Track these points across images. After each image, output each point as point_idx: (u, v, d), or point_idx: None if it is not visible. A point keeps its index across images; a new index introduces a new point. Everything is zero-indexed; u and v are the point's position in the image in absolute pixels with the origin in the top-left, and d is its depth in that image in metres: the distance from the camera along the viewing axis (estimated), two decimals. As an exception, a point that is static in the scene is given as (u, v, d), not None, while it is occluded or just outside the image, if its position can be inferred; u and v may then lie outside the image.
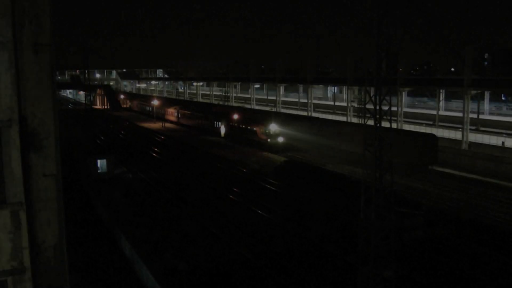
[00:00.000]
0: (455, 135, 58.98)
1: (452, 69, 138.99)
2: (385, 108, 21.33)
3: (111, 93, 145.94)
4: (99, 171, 47.38)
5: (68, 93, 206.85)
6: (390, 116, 21.09)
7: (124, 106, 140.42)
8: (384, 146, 20.77)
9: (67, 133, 79.77)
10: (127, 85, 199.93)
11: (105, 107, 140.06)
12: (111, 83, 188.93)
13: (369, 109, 20.97)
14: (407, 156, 51.37)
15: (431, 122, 69.51)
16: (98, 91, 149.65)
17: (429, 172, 49.45)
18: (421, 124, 68.07)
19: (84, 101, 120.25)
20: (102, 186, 43.69)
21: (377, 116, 20.78)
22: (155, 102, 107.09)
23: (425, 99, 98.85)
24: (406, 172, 47.27)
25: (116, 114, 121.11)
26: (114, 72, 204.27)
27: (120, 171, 50.31)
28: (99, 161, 47.50)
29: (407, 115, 71.46)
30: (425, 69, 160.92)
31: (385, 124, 21.48)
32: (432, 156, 51.62)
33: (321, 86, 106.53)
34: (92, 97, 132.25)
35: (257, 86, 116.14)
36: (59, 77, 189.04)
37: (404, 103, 74.17)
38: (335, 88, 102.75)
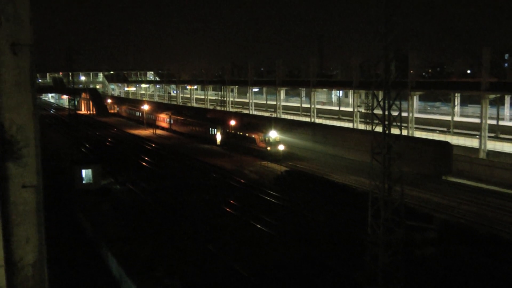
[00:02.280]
0: (472, 143, 58.99)
1: (468, 71, 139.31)
2: (395, 113, 21.39)
3: (97, 97, 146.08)
4: (84, 182, 47.28)
5: (50, 97, 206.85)
6: (400, 122, 21.15)
7: (112, 111, 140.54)
8: (393, 154, 20.80)
9: (49, 141, 79.69)
10: (115, 89, 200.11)
11: (91, 112, 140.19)
12: (98, 87, 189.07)
13: (377, 115, 21.01)
14: (418, 166, 51.37)
15: (445, 129, 69.61)
16: (83, 95, 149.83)
17: (442, 183, 49.44)
18: (434, 131, 68.16)
19: (67, 106, 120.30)
20: (88, 198, 43.59)
21: (386, 122, 20.82)
22: (146, 107, 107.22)
23: (439, 104, 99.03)
24: (417, 183, 47.26)
25: (103, 120, 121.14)
26: (100, 75, 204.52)
27: (107, 182, 50.22)
28: (84, 171, 47.42)
29: (418, 121, 71.55)
30: (438, 72, 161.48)
31: (395, 131, 21.52)
32: (446, 165, 51.63)
33: (325, 90, 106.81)
34: (76, 102, 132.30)
35: (255, 90, 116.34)
36: (40, 80, 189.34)
37: (415, 108, 74.28)
38: (340, 92, 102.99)
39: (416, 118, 69.54)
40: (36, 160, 9.09)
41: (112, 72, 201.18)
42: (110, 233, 33.86)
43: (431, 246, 29.87)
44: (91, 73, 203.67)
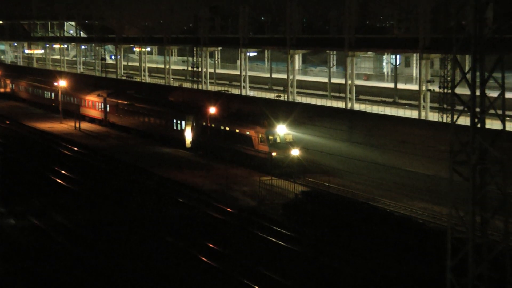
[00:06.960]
0: None
1: None
2: (493, 94, 21.40)
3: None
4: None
5: None
6: (503, 109, 21.17)
7: (1, 90, 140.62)
8: (490, 165, 20.80)
9: None
10: (7, 52, 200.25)
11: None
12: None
13: (460, 97, 21.03)
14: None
15: None
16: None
17: None
18: None
19: None
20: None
21: (477, 110, 20.84)
22: (62, 84, 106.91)
23: None
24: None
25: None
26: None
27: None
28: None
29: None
30: None
31: (493, 124, 21.52)
32: None
33: (370, 53, 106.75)
34: None
35: (252, 54, 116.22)
36: None
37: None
38: (397, 57, 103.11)
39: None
40: None
41: (1, 23, 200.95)
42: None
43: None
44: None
